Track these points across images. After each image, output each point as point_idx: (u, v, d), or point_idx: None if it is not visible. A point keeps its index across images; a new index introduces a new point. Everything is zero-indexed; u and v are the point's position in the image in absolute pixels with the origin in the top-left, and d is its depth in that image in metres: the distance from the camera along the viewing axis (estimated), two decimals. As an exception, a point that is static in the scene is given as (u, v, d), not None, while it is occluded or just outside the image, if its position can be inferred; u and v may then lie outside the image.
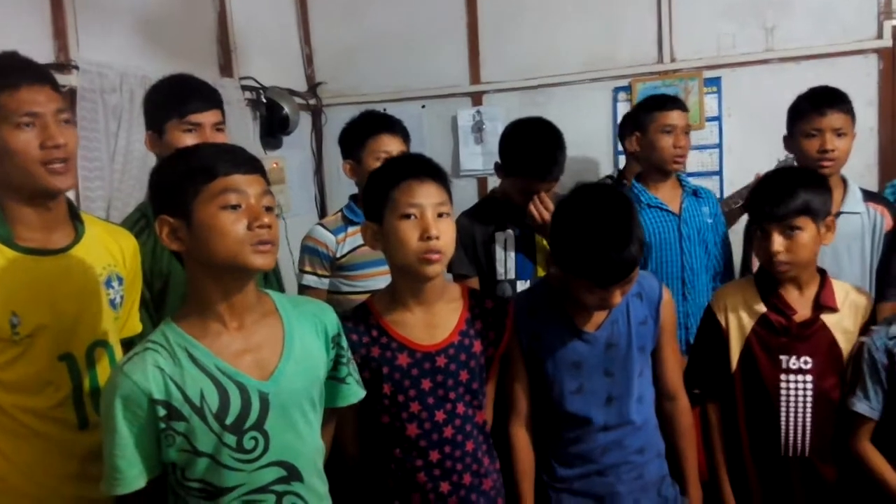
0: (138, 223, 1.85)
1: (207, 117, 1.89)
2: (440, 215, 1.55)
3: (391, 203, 1.54)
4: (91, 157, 2.61)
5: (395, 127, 2.32)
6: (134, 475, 1.26)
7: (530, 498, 1.71)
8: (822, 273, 1.85)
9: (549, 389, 1.71)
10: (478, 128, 3.93)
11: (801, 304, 1.82)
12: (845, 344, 1.80)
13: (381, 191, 1.57)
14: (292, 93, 3.87)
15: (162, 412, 1.25)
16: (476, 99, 3.99)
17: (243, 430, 1.29)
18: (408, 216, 1.53)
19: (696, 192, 2.52)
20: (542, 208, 2.10)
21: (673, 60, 3.69)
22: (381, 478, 1.62)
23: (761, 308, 1.83)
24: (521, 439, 1.74)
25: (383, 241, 1.58)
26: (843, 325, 1.81)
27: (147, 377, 1.24)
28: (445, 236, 1.54)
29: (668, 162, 2.42)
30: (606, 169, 3.78)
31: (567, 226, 1.61)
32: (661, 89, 3.64)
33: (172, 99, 1.90)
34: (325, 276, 2.27)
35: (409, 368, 1.58)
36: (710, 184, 3.50)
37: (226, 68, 3.48)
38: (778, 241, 1.75)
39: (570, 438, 1.72)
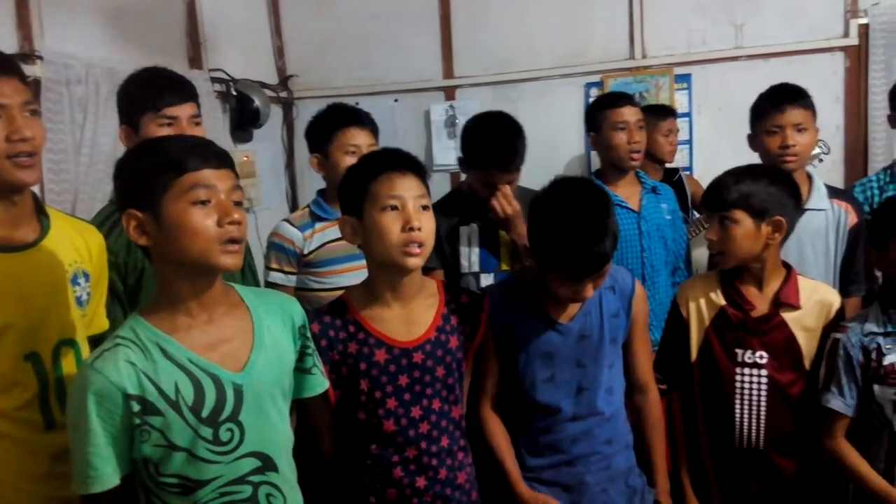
0: (112, 216, 1.82)
1: (184, 110, 1.87)
2: (421, 208, 1.55)
3: (371, 196, 1.54)
4: (56, 149, 2.56)
5: (363, 120, 2.28)
6: (109, 473, 1.25)
7: (517, 471, 1.71)
8: (789, 269, 1.87)
9: (521, 379, 1.73)
10: (451, 122, 3.92)
11: (760, 299, 1.84)
12: (805, 341, 1.82)
13: (360, 184, 1.56)
14: (263, 85, 3.83)
15: (136, 407, 1.23)
16: (449, 93, 3.98)
17: (219, 423, 1.29)
18: (389, 208, 1.53)
19: (654, 189, 2.55)
20: (505, 203, 2.11)
21: (644, 56, 3.72)
22: (357, 475, 1.62)
23: (721, 301, 1.86)
24: (494, 419, 1.77)
25: (363, 234, 1.57)
26: (805, 322, 1.82)
27: (120, 373, 1.23)
28: (426, 228, 1.55)
29: (625, 158, 2.44)
30: (576, 163, 3.80)
31: (543, 218, 1.62)
32: (633, 85, 3.67)
33: (147, 93, 1.87)
34: (291, 273, 2.24)
35: (386, 364, 1.58)
36: (681, 179, 3.54)
37: (195, 60, 3.43)
38: (713, 230, 1.79)
39: (539, 428, 1.74)
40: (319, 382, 1.52)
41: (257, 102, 3.64)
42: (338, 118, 2.27)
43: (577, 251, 1.54)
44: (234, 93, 3.61)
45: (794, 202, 1.83)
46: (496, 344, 1.74)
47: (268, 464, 1.35)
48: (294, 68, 4.15)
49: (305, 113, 3.98)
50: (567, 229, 1.56)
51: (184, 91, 1.91)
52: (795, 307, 1.82)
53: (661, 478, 1.84)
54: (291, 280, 2.24)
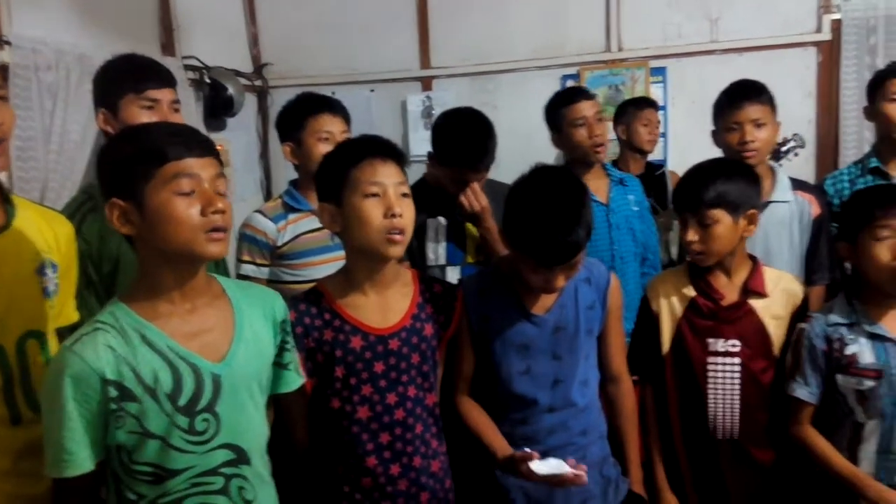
0: (85, 205, 1.79)
1: (165, 94, 1.86)
2: (401, 195, 1.55)
3: (352, 182, 1.54)
4: (24, 136, 2.51)
5: (335, 106, 2.25)
6: (84, 457, 1.24)
7: (498, 437, 1.69)
8: (754, 260, 1.90)
9: (497, 370, 1.73)
10: (427, 113, 3.91)
11: (729, 289, 1.86)
12: (775, 329, 1.85)
13: (341, 170, 1.56)
14: (237, 73, 3.79)
15: (114, 393, 1.23)
16: (426, 84, 3.97)
17: (195, 412, 1.28)
18: (371, 195, 1.52)
19: (622, 181, 2.57)
20: (474, 199, 2.12)
21: (620, 49, 3.74)
22: (331, 464, 1.61)
23: (691, 293, 1.88)
24: (470, 402, 1.77)
25: (342, 221, 1.57)
26: (773, 310, 1.86)
27: (99, 357, 1.22)
28: (407, 215, 1.55)
29: (590, 154, 2.45)
30: (552, 155, 3.79)
31: (520, 203, 1.63)
32: (609, 78, 3.70)
33: (129, 75, 1.85)
34: (264, 266, 2.19)
35: (362, 351, 1.58)
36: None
37: (167, 47, 3.38)
38: (692, 232, 1.80)
39: (515, 419, 1.74)
40: (294, 379, 1.51)
41: (231, 90, 3.60)
42: (309, 105, 2.24)
43: (550, 238, 1.55)
44: (208, 80, 3.56)
45: (758, 192, 1.87)
46: (472, 335, 1.74)
47: (241, 457, 1.35)
48: (269, 56, 4.11)
49: (280, 102, 3.86)
50: (541, 216, 1.56)
51: (166, 76, 1.90)
52: (763, 295, 1.85)
53: (635, 468, 1.86)
54: (264, 272, 2.21)
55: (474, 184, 2.14)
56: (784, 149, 3.40)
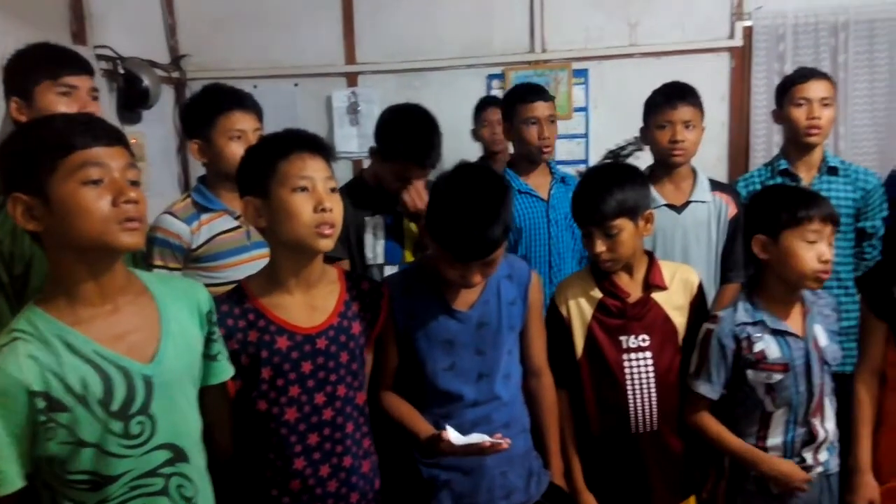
0: None
1: (83, 82, 1.80)
2: (330, 190, 1.54)
3: (280, 176, 1.50)
4: (-80, 126, 2.35)
5: (246, 102, 2.13)
6: (14, 474, 1.19)
7: (427, 425, 1.70)
8: (650, 255, 1.98)
9: (423, 367, 1.74)
10: (353, 109, 3.88)
11: (632, 286, 1.93)
12: (679, 319, 1.93)
13: (267, 163, 1.52)
14: (153, 64, 3.66)
15: (41, 404, 1.17)
16: (351, 79, 3.93)
17: (129, 416, 1.24)
18: (299, 189, 1.50)
19: (563, 180, 2.61)
20: (417, 197, 2.11)
21: (544, 51, 3.80)
22: (258, 469, 1.58)
23: (598, 294, 1.93)
24: (392, 394, 1.77)
25: (269, 215, 1.53)
26: (674, 301, 1.94)
27: (21, 369, 1.16)
28: (337, 210, 1.53)
29: (535, 152, 2.49)
30: (478, 153, 3.83)
31: (440, 197, 1.65)
32: (533, 79, 3.74)
33: (44, 62, 1.78)
34: (176, 269, 2.07)
35: (288, 351, 1.55)
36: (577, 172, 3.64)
37: (79, 35, 3.24)
38: (599, 244, 1.85)
39: (440, 414, 1.75)
40: (224, 369, 1.48)
41: (147, 82, 3.48)
42: (219, 101, 2.10)
43: (466, 234, 1.57)
44: (122, 71, 3.43)
45: (648, 192, 1.95)
46: (397, 332, 1.74)
47: (179, 455, 1.32)
48: (187, 47, 3.99)
49: (200, 95, 3.83)
50: (460, 211, 1.58)
51: (83, 63, 1.84)
52: (663, 288, 1.93)
53: (556, 460, 1.89)
54: (176, 276, 2.11)
55: (417, 182, 2.13)
56: (624, 152, 3.51)
